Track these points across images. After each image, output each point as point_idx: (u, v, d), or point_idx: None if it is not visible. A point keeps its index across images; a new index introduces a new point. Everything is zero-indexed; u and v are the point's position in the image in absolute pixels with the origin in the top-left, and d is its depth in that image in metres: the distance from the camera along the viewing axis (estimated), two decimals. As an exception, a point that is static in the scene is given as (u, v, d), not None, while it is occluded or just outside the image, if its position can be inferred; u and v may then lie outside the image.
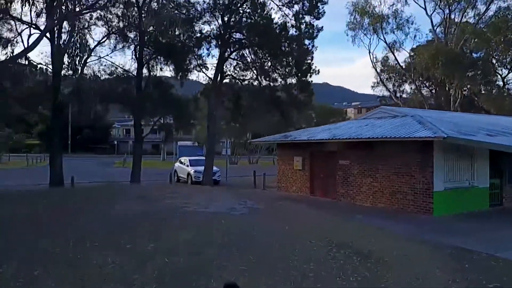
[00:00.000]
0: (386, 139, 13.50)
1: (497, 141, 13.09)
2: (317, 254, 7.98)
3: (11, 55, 16.70)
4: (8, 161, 44.93)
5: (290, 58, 19.60)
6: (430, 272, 7.70)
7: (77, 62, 20.12)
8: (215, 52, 21.40)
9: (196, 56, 21.67)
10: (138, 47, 19.88)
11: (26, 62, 18.48)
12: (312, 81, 21.05)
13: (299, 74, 19.80)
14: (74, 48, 18.78)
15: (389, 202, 14.26)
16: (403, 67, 40.51)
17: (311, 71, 20.09)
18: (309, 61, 19.81)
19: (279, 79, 20.95)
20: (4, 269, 5.27)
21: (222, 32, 20.05)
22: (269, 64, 20.61)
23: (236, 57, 21.76)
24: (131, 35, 21.01)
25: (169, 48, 19.08)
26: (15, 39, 17.64)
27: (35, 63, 18.90)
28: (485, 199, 14.37)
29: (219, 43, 20.43)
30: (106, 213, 8.43)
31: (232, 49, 20.90)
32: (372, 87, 44.07)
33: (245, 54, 21.43)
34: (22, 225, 7.07)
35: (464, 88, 36.84)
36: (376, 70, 41.98)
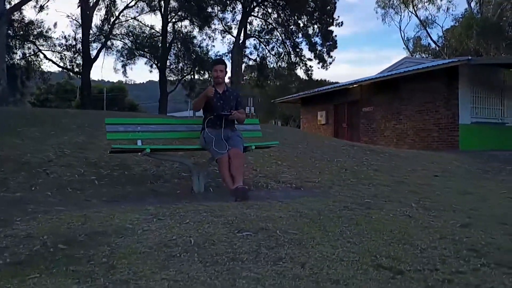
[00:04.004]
0: (410, 73, 13.14)
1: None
2: (331, 147, 7.89)
3: None
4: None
5: (314, 9, 19.22)
6: (450, 162, 7.45)
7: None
8: (239, 17, 21.30)
9: (220, 18, 21.80)
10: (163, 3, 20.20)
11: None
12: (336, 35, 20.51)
13: (322, 23, 19.46)
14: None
15: (413, 143, 13.81)
16: (437, 43, 39.07)
17: (334, 22, 19.76)
18: (332, 10, 19.49)
19: (303, 38, 20.70)
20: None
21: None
22: (293, 20, 20.31)
23: (260, 16, 21.69)
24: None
25: (193, 4, 19.24)
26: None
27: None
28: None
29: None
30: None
31: (255, 4, 20.72)
32: (403, 68, 42.62)
33: (269, 12, 21.28)
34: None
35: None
36: (407, 48, 40.81)
